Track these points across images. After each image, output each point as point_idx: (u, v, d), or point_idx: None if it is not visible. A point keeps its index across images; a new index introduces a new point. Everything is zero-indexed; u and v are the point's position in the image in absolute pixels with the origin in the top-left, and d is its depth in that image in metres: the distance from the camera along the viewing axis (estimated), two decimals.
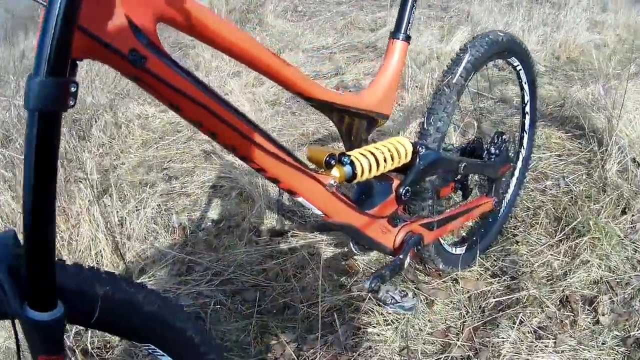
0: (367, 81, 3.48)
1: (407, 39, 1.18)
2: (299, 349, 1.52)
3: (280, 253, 1.92)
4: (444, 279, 1.67)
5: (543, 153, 2.31)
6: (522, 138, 1.81)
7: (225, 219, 2.19)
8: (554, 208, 1.92)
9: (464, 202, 1.56)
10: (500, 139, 1.55)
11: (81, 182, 2.28)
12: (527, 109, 1.74)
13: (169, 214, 2.19)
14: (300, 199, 1.03)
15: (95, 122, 2.73)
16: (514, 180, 1.85)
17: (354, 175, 1.08)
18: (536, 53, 3.66)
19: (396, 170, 1.21)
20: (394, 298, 1.06)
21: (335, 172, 1.05)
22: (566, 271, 1.64)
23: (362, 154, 1.11)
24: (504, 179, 1.84)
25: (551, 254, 1.70)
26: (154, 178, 2.51)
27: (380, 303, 1.02)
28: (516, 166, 1.84)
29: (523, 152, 1.82)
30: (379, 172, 1.13)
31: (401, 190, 1.19)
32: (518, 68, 1.61)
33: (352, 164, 1.08)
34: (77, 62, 0.62)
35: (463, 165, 1.34)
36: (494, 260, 1.74)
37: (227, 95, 3.27)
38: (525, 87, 1.68)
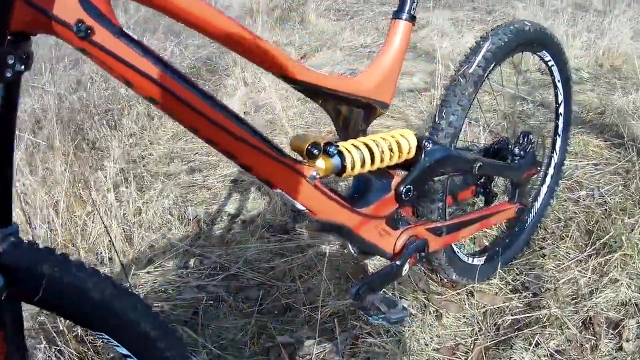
0: (403, 81, 3.30)
1: (412, 19, 1.02)
2: (295, 353, 1.38)
3: (289, 251, 1.79)
4: (458, 291, 1.48)
5: (579, 161, 2.06)
6: (555, 142, 1.60)
7: (241, 214, 2.09)
8: (586, 220, 1.69)
9: (483, 208, 1.37)
10: (526, 140, 1.36)
11: (105, 169, 2.25)
12: (561, 110, 1.53)
13: (186, 205, 2.11)
14: (278, 192, 0.89)
15: (128, 113, 2.70)
16: (544, 188, 1.64)
17: (343, 168, 0.93)
18: (579, 59, 3.39)
19: (399, 166, 1.06)
20: (378, 308, 0.90)
21: (321, 163, 0.91)
22: (593, 290, 1.41)
23: (354, 146, 0.96)
24: (532, 185, 1.63)
25: (579, 270, 1.48)
26: (178, 169, 2.45)
27: (362, 313, 0.87)
28: (547, 172, 1.63)
29: (555, 157, 1.60)
30: (374, 167, 0.97)
31: (401, 188, 1.03)
32: (550, 64, 1.40)
33: (340, 155, 0.94)
34: (31, 36, 0.61)
35: (478, 165, 1.16)
36: (517, 274, 1.54)
37: (260, 92, 3.20)
38: (559, 85, 1.47)
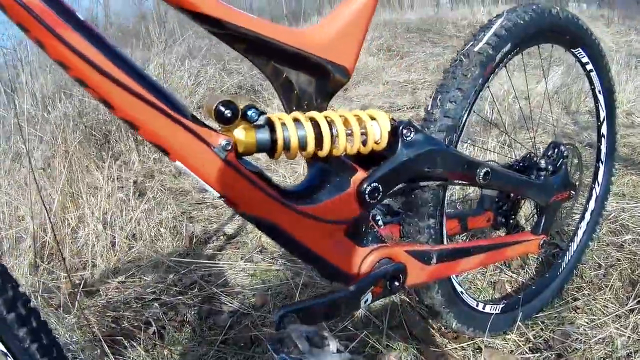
0: None
1: None
2: None
3: (274, 278, 1.46)
4: (462, 344, 1.08)
5: (627, 203, 1.59)
6: (597, 170, 1.19)
7: (238, 235, 1.80)
8: (630, 269, 1.23)
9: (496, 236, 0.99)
10: (556, 152, 0.98)
11: (119, 180, 2.06)
12: (604, 130, 1.14)
13: (184, 221, 1.85)
14: (178, 165, 0.60)
15: None
16: (583, 226, 1.22)
17: (273, 144, 0.63)
18: (631, 104, 2.85)
19: (367, 158, 0.73)
20: (294, 345, 0.55)
21: (240, 132, 0.61)
22: (631, 352, 0.96)
23: (296, 119, 0.65)
24: (569, 222, 1.23)
25: (616, 327, 1.03)
26: (190, 187, 2.22)
27: (269, 348, 0.54)
28: (587, 207, 1.22)
29: (597, 189, 1.19)
30: (324, 152, 0.66)
31: (365, 186, 0.69)
32: (588, 68, 1.04)
33: (271, 126, 0.63)
34: None
35: (484, 172, 0.81)
36: (540, 329, 1.10)
37: None
38: (600, 98, 1.09)
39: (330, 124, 0.66)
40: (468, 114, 0.82)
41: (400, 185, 0.74)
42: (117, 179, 1.90)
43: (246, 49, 0.65)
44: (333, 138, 0.66)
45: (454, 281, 0.96)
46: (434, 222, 0.84)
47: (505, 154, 1.87)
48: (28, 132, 1.82)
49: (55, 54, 0.52)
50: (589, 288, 1.20)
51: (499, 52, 0.83)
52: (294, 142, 0.63)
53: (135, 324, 1.25)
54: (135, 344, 1.17)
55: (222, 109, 0.58)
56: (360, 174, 0.71)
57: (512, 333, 1.09)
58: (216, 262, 1.59)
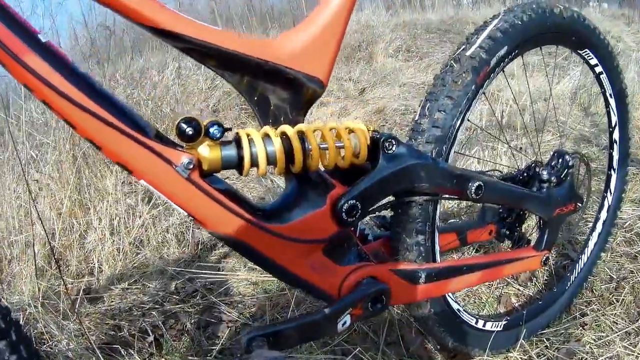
0: None
1: None
2: None
3: (276, 288, 1.43)
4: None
5: None
6: (609, 178, 1.12)
7: None
8: None
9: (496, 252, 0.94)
10: (561, 162, 0.92)
11: (128, 185, 2.07)
12: (616, 136, 1.06)
13: (194, 227, 1.84)
14: (143, 184, 0.57)
15: (172, 131, 2.56)
16: (594, 237, 1.14)
17: (239, 160, 0.59)
18: None
19: (346, 173, 0.69)
20: None
21: (204, 149, 0.58)
22: None
23: (266, 134, 0.62)
24: (578, 232, 1.15)
25: (624, 346, 0.95)
26: None
27: None
28: (599, 217, 1.14)
29: (610, 197, 1.12)
30: (297, 169, 0.62)
31: (342, 203, 0.65)
32: (597, 70, 0.97)
33: (237, 143, 0.60)
34: None
35: (476, 185, 0.75)
36: (545, 347, 1.04)
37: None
38: (611, 102, 1.01)
39: (303, 138, 0.62)
40: (460, 123, 0.77)
41: (383, 201, 0.70)
42: (126, 184, 1.91)
43: (216, 65, 0.62)
44: (306, 153, 0.62)
45: (449, 298, 0.91)
46: (423, 239, 0.79)
47: (505, 164, 1.78)
48: (38, 139, 1.85)
49: (19, 77, 0.51)
50: (598, 302, 1.12)
51: (494, 56, 0.78)
52: (262, 158, 0.60)
53: (134, 332, 1.24)
54: (132, 352, 1.17)
55: (184, 126, 0.55)
56: (338, 190, 0.67)
57: (515, 351, 1.03)
58: (219, 270, 1.57)
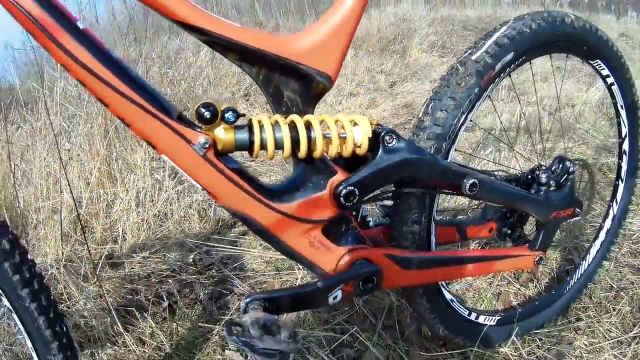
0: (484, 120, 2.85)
1: None
2: None
3: (286, 267, 1.52)
4: (451, 352, 1.09)
5: None
6: (616, 188, 1.14)
7: None
8: None
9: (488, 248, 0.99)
10: (561, 167, 0.96)
11: (157, 161, 2.18)
12: (625, 146, 1.08)
13: (216, 206, 1.95)
14: (164, 158, 0.66)
15: None
16: (596, 245, 1.17)
17: (250, 144, 0.67)
18: None
19: (348, 161, 0.76)
20: (248, 329, 0.59)
21: (220, 132, 0.66)
22: None
23: (276, 122, 0.69)
24: (583, 238, 1.19)
25: (614, 354, 0.99)
26: None
27: (226, 331, 0.58)
28: (603, 226, 1.17)
29: (615, 207, 1.14)
30: (302, 154, 0.69)
31: (340, 189, 0.72)
32: (609, 81, 0.99)
33: (250, 128, 0.68)
34: None
35: (470, 183, 0.81)
36: (537, 346, 1.09)
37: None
38: (622, 113, 1.04)
39: (309, 127, 0.69)
40: (461, 124, 0.82)
41: (380, 190, 0.76)
42: (155, 159, 2.03)
43: (237, 58, 0.69)
44: (310, 140, 0.69)
45: (442, 288, 0.97)
46: (418, 228, 0.85)
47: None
48: (70, 110, 1.98)
49: (58, 58, 0.59)
50: (595, 309, 1.15)
51: (499, 61, 0.82)
52: (271, 144, 0.67)
53: (150, 297, 1.35)
54: (146, 316, 1.27)
55: (203, 110, 0.63)
56: (339, 177, 0.74)
57: (506, 347, 1.08)
58: (236, 246, 1.67)
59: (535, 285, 1.28)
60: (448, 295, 0.99)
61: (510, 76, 0.88)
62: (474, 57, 0.81)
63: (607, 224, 1.16)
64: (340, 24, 0.69)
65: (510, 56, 0.83)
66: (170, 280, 1.45)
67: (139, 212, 1.79)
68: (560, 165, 0.95)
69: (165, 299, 1.35)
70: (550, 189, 0.93)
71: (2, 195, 1.66)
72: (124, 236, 1.73)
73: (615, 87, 1.00)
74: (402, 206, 0.84)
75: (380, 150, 0.74)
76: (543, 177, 0.92)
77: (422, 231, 0.87)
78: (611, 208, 1.15)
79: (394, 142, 0.74)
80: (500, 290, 1.28)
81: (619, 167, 1.12)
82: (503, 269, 1.03)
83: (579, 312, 1.16)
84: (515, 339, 1.08)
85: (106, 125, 1.89)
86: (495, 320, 1.08)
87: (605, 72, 0.98)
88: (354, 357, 1.11)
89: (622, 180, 1.12)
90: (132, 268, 1.52)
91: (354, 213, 0.85)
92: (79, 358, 0.81)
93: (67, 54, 0.58)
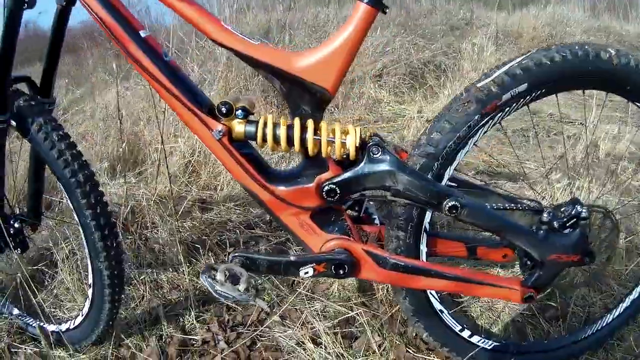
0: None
1: (377, 4, 0.82)
2: None
3: None
4: (434, 356, 1.17)
5: None
6: None
7: None
8: None
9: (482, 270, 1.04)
10: (570, 211, 0.95)
11: None
12: None
13: None
14: (197, 137, 0.91)
15: None
16: (626, 301, 1.11)
17: (255, 137, 0.88)
18: None
19: (342, 163, 0.92)
20: (216, 276, 0.80)
21: (235, 124, 0.88)
22: None
23: (279, 122, 0.88)
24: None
25: None
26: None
27: (201, 271, 0.80)
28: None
29: None
30: (296, 150, 0.87)
31: (324, 184, 0.89)
32: None
33: (257, 124, 0.88)
34: None
35: (450, 205, 0.88)
36: None
37: None
38: None
39: (303, 129, 0.87)
40: (457, 147, 0.90)
41: (359, 193, 0.90)
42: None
43: (263, 73, 0.89)
44: (303, 140, 0.87)
45: (430, 296, 1.05)
46: (403, 235, 0.97)
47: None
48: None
49: (127, 59, 0.87)
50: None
51: (508, 92, 0.87)
52: (270, 138, 0.87)
53: (217, 241, 1.67)
54: (210, 256, 1.59)
55: (221, 106, 0.86)
56: (328, 174, 0.90)
57: None
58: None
59: (559, 325, 1.26)
60: (437, 305, 1.07)
61: (528, 106, 0.91)
62: (479, 85, 0.87)
63: None
64: (341, 46, 0.84)
65: (523, 87, 0.87)
66: (239, 232, 1.75)
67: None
68: (571, 208, 0.95)
69: (229, 247, 1.65)
70: (551, 229, 0.94)
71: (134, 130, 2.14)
72: (221, 187, 2.09)
73: None
74: (390, 211, 0.97)
75: (364, 159, 0.88)
76: (544, 216, 0.94)
77: (408, 238, 0.97)
78: None
79: (379, 154, 0.87)
80: (519, 320, 1.29)
81: None
82: (487, 295, 1.07)
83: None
84: None
85: (226, 86, 2.26)
86: (491, 345, 1.11)
87: None
88: (355, 335, 1.27)
89: None
90: (218, 214, 1.87)
91: (346, 207, 1.01)
92: (124, 269, 1.11)
93: (132, 58, 0.85)
